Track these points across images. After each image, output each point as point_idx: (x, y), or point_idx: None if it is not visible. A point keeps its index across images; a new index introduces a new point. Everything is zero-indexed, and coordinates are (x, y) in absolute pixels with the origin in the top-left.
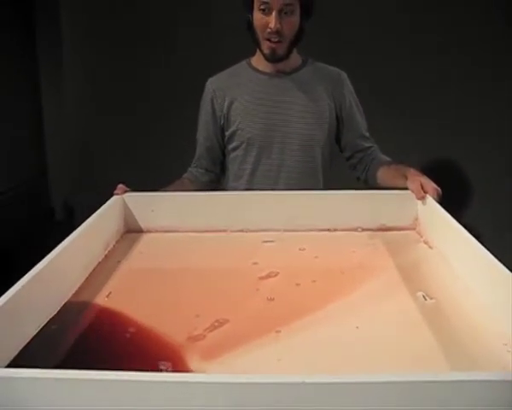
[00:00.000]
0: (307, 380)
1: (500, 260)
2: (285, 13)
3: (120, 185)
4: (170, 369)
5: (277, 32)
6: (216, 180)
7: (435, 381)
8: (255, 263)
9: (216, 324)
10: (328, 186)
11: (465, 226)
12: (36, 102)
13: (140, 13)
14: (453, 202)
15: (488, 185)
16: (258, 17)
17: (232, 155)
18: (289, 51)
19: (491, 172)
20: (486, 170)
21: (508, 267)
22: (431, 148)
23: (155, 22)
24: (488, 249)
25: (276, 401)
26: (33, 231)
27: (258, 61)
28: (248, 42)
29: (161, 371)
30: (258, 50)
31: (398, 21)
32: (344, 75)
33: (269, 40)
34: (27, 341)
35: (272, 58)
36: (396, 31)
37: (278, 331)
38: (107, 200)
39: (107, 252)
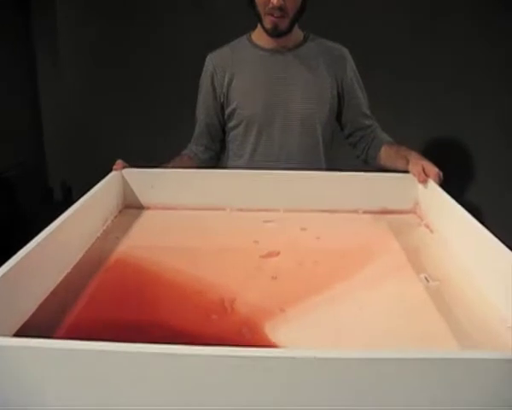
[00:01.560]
0: (318, 355)
1: (503, 240)
2: None
3: (119, 161)
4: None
5: (280, 8)
6: (215, 158)
7: (448, 358)
8: (256, 242)
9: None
10: (330, 165)
11: (467, 204)
12: (33, 83)
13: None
14: (455, 178)
15: (490, 158)
16: None
17: (232, 133)
18: (291, 26)
19: (492, 145)
20: (488, 143)
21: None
22: (432, 125)
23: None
24: (490, 229)
25: (287, 377)
26: (31, 212)
27: (258, 36)
28: (249, 16)
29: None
30: (259, 25)
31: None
32: (346, 51)
33: (271, 15)
34: (28, 313)
35: (274, 33)
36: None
37: (283, 310)
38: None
39: (105, 227)
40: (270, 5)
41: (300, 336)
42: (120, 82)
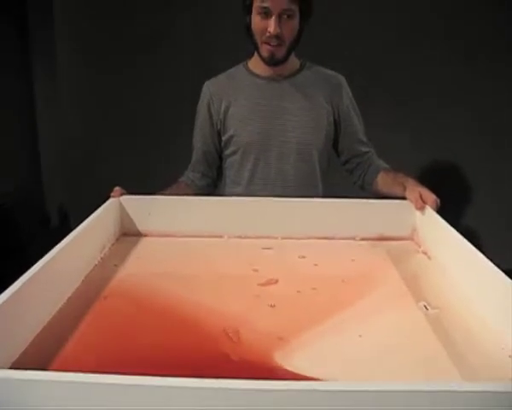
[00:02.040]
0: (318, 387)
1: (501, 261)
2: (284, 17)
3: (117, 188)
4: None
5: (277, 36)
6: (212, 184)
7: (449, 390)
8: (254, 270)
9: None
10: (327, 191)
11: (464, 228)
12: (30, 108)
13: (138, 17)
14: (452, 202)
15: (489, 184)
16: (257, 20)
17: (229, 160)
18: (288, 55)
19: (492, 171)
20: (487, 169)
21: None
22: (429, 148)
23: (153, 25)
24: (488, 253)
25: (286, 408)
26: (29, 238)
27: (255, 64)
28: (245, 44)
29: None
30: (255, 53)
31: (398, 21)
32: (342, 79)
33: (268, 44)
34: (24, 344)
35: (271, 62)
36: (396, 29)
37: (287, 340)
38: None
39: (102, 255)
40: (267, 34)
41: (310, 367)
42: (118, 108)
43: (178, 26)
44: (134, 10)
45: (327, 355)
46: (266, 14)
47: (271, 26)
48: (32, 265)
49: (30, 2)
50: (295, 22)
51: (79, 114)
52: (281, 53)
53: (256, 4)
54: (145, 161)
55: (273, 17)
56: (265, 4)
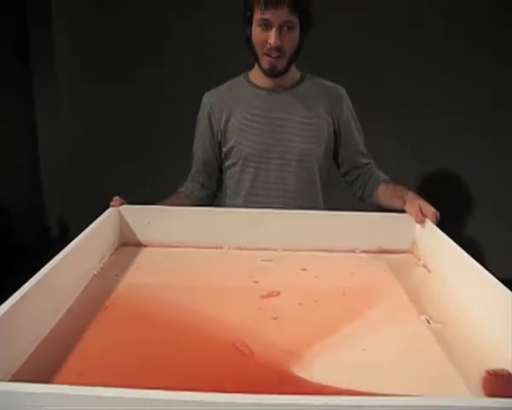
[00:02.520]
0: (330, 402)
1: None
2: (285, 28)
3: (116, 197)
4: None
5: (277, 48)
6: (212, 195)
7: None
8: (255, 282)
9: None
10: (327, 202)
11: (464, 239)
12: (29, 119)
13: (138, 28)
14: (453, 210)
15: (489, 193)
16: (257, 32)
17: (229, 171)
18: (289, 66)
19: (492, 180)
20: (488, 177)
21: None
22: (429, 156)
23: (153, 36)
24: (489, 262)
25: None
26: (28, 249)
27: (256, 75)
28: (245, 55)
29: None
30: (256, 65)
31: (398, 31)
32: (342, 90)
33: (268, 55)
34: (24, 356)
35: (272, 73)
36: (396, 39)
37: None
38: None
39: (102, 265)
40: (268, 46)
41: (334, 379)
42: (117, 120)
43: (179, 34)
44: (134, 17)
45: (343, 368)
46: (267, 25)
47: (272, 38)
48: (33, 274)
49: (29, 4)
50: (295, 34)
51: (79, 128)
52: (281, 65)
53: (256, 16)
54: (145, 170)
55: (273, 29)
56: (266, 16)
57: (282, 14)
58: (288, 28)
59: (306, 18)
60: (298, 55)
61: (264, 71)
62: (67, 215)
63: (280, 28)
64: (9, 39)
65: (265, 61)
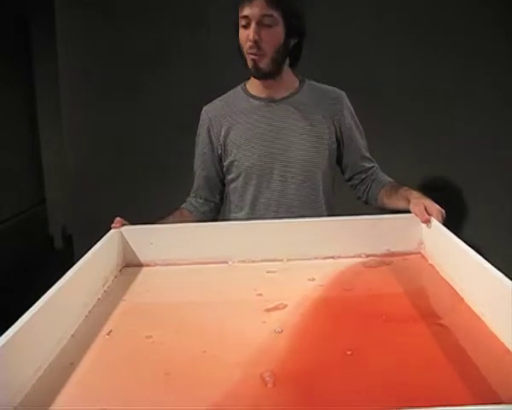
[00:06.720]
0: None
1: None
2: (264, 25)
3: (118, 219)
4: None
5: (256, 43)
6: (215, 210)
7: None
8: (259, 294)
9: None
10: (330, 212)
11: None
12: (33, 133)
13: (140, 45)
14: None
15: (489, 194)
16: (240, 32)
17: (232, 185)
18: (275, 68)
19: (492, 180)
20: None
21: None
22: (430, 157)
23: (155, 51)
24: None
25: None
26: (32, 261)
27: (253, 85)
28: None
29: None
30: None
31: (401, 36)
32: (343, 95)
33: (250, 54)
34: (28, 385)
35: (256, 73)
36: (398, 44)
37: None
38: (105, 228)
39: (106, 288)
40: (249, 43)
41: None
42: (121, 132)
43: (181, 52)
44: (140, 25)
45: (354, 383)
46: (248, 24)
47: (250, 33)
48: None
49: (30, 7)
50: (277, 31)
51: (82, 140)
52: (263, 63)
53: (239, 17)
54: (148, 186)
55: (252, 24)
56: (245, 13)
57: (259, 8)
58: (268, 25)
59: (291, 16)
60: (286, 58)
61: (252, 73)
62: (70, 227)
63: (259, 24)
64: (11, 46)
65: (249, 60)
